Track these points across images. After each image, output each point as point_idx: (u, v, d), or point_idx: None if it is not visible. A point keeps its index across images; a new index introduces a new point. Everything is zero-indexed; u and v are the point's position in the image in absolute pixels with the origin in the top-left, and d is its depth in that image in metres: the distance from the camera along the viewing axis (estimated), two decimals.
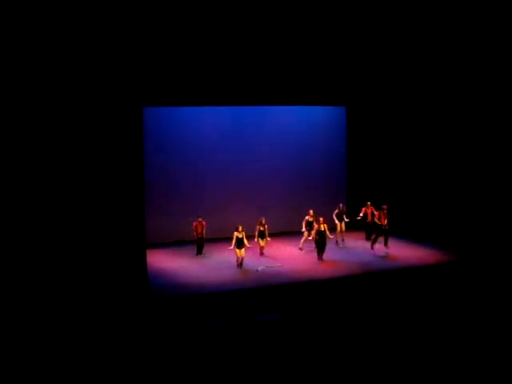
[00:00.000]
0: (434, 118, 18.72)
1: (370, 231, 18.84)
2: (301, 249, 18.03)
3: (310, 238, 17.32)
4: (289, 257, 17.60)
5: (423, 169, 19.34)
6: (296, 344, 11.33)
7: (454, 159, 18.27)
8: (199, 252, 17.44)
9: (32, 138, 13.10)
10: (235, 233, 16.11)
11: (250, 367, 10.42)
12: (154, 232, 17.37)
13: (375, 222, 17.90)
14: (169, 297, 14.06)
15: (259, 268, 16.29)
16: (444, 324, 12.23)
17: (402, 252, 17.92)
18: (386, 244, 17.76)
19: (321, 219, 16.95)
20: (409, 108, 19.41)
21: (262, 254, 17.50)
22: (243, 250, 16.15)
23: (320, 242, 16.88)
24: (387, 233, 17.70)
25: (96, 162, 13.65)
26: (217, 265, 16.54)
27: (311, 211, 17.91)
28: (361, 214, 18.94)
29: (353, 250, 18.41)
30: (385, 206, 17.65)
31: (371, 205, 18.94)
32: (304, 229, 17.88)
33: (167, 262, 16.85)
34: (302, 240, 18.01)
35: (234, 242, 16.10)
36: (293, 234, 18.58)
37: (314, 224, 17.41)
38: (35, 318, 12.50)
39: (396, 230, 18.49)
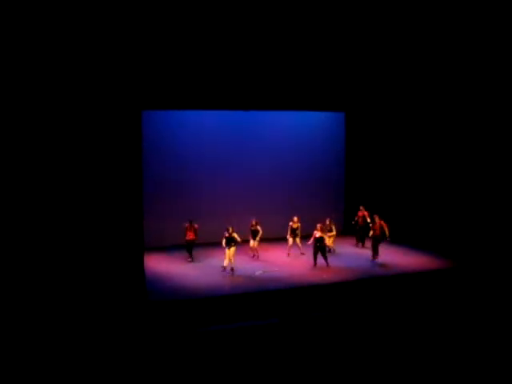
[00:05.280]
0: (433, 124, 18.74)
1: (362, 236, 19.14)
2: (288, 254, 18.09)
3: (310, 243, 17.22)
4: (287, 262, 17.59)
5: (422, 175, 19.34)
6: (294, 349, 11.29)
7: (452, 165, 18.28)
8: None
9: (31, 141, 13.08)
10: (225, 233, 16.20)
11: (248, 372, 10.38)
12: (152, 235, 17.27)
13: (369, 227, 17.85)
14: (166, 300, 14.01)
15: (257, 272, 16.31)
16: (442, 330, 12.19)
17: (399, 258, 17.88)
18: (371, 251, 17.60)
19: (318, 226, 16.93)
20: (408, 114, 19.43)
21: (256, 257, 17.62)
22: (232, 249, 16.10)
23: (317, 249, 16.84)
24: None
25: (95, 165, 13.63)
26: (215, 269, 16.47)
27: (295, 218, 17.92)
28: (356, 218, 19.11)
29: (350, 256, 18.38)
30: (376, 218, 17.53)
31: (365, 209, 19.00)
32: (289, 235, 17.98)
33: (165, 266, 16.82)
34: (288, 246, 18.13)
35: (223, 241, 16.18)
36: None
37: (297, 231, 17.77)
38: (32, 319, 12.45)
39: (394, 237, 18.46)
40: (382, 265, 17.22)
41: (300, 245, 18.05)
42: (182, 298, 14.19)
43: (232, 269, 16.13)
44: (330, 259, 17.06)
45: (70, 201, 13.45)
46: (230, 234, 16.15)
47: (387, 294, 15.16)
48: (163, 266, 16.85)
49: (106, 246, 13.75)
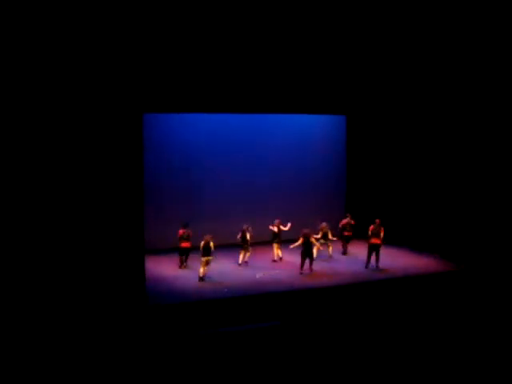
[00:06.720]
0: (434, 127, 18.76)
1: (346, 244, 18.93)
2: (281, 258, 17.88)
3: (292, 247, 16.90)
4: (288, 264, 17.54)
5: (423, 178, 19.35)
6: (295, 352, 11.29)
7: (454, 168, 18.28)
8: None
9: (32, 144, 13.11)
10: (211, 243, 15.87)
11: (249, 375, 10.38)
12: (153, 238, 17.27)
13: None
14: (166, 303, 14.02)
15: (258, 275, 16.31)
16: (443, 334, 12.19)
17: (401, 261, 17.87)
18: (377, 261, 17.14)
19: (304, 231, 16.70)
20: (409, 117, 19.46)
21: (246, 262, 17.42)
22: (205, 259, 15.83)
23: (304, 254, 16.63)
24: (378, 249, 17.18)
25: (96, 168, 13.65)
26: (215, 271, 16.47)
27: (276, 221, 17.72)
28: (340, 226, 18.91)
29: (352, 259, 18.38)
30: (377, 220, 17.21)
31: (351, 218, 18.93)
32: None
33: (165, 268, 16.83)
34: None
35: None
36: (292, 241, 18.50)
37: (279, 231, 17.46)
38: (31, 322, 12.47)
39: (395, 240, 18.45)
40: (382, 268, 17.18)
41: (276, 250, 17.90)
42: (182, 301, 14.20)
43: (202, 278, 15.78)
44: (332, 262, 17.01)
45: (70, 203, 13.46)
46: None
47: (389, 297, 15.16)
48: (164, 268, 16.86)
49: (107, 249, 13.75)
